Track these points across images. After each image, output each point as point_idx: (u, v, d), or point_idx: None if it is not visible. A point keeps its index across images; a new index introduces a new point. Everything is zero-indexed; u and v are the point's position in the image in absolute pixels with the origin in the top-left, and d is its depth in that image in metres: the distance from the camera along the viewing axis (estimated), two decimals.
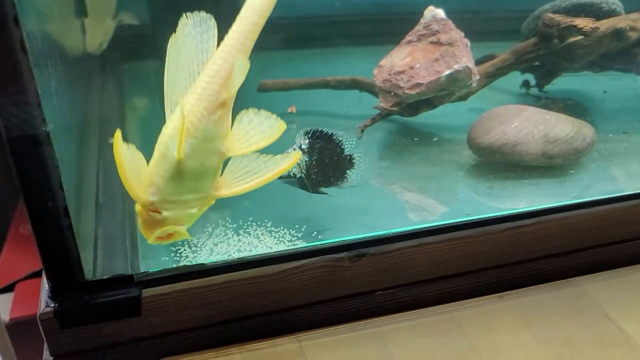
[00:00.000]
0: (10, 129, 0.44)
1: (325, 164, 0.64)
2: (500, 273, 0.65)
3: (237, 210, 0.65)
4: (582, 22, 0.78)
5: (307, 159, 0.63)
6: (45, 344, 0.53)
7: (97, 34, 0.90)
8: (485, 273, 0.64)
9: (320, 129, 0.64)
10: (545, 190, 0.72)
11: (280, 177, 0.62)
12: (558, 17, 0.81)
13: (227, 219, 0.64)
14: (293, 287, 0.58)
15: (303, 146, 0.63)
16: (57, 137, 0.50)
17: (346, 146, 0.65)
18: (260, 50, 1.08)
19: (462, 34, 0.79)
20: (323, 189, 0.65)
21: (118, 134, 0.45)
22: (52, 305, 0.51)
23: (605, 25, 0.82)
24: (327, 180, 0.65)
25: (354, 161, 0.66)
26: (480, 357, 0.55)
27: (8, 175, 1.16)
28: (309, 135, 0.63)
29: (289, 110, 0.90)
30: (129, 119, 0.86)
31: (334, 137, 0.64)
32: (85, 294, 0.52)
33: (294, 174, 0.63)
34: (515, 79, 0.94)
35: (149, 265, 0.56)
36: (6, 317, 0.99)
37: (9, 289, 1.05)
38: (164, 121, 0.75)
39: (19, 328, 0.99)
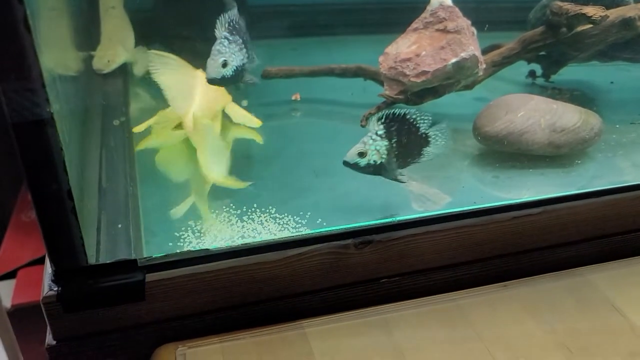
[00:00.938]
0: (14, 110, 0.44)
1: (404, 146, 0.63)
2: (506, 262, 0.64)
3: (241, 197, 0.65)
4: (591, 10, 0.77)
5: (386, 143, 0.61)
6: (49, 328, 0.52)
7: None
8: (490, 262, 0.64)
9: (392, 111, 0.62)
10: (551, 180, 0.72)
11: (361, 168, 0.62)
12: (567, 5, 0.80)
13: (231, 205, 0.63)
14: (297, 274, 0.57)
15: (379, 132, 0.61)
16: (61, 120, 0.49)
17: (420, 123, 0.64)
18: (264, 38, 1.07)
19: (469, 22, 0.79)
20: (401, 175, 0.64)
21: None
22: (55, 289, 0.51)
23: (613, 14, 0.82)
24: (406, 162, 0.64)
25: (429, 139, 0.65)
26: (485, 346, 0.55)
27: (9, 163, 1.16)
28: (382, 120, 0.62)
29: (293, 98, 0.90)
30: (132, 104, 0.85)
31: (408, 117, 0.63)
32: (88, 278, 0.52)
33: (374, 161, 0.61)
34: (521, 68, 0.94)
35: (152, 250, 0.56)
36: (8, 304, 0.99)
37: (11, 275, 1.05)
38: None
39: (21, 314, 0.99)
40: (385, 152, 0.61)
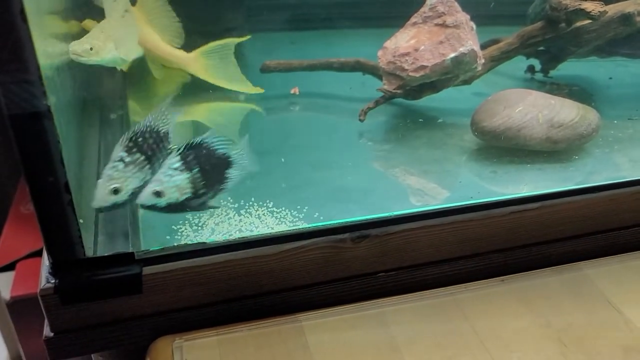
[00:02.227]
0: (11, 102, 0.44)
1: (206, 173, 0.57)
2: (503, 257, 0.64)
3: (238, 191, 0.65)
4: (590, 6, 0.77)
5: (186, 176, 0.56)
6: (46, 320, 0.53)
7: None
8: (488, 256, 0.64)
9: (186, 143, 0.57)
10: (549, 175, 0.72)
11: (161, 209, 0.56)
12: (566, 1, 0.80)
13: (229, 198, 0.64)
14: (294, 268, 0.58)
15: (175, 165, 0.56)
16: (58, 112, 0.49)
17: (219, 147, 0.59)
18: (263, 31, 1.07)
19: (468, 17, 0.79)
20: (212, 203, 0.59)
21: None
22: (52, 281, 0.51)
23: (613, 9, 0.82)
24: (213, 189, 0.59)
25: (230, 159, 0.60)
26: (481, 340, 0.55)
27: (8, 155, 1.16)
28: (177, 153, 0.57)
29: (292, 92, 0.90)
30: (130, 97, 0.85)
31: (204, 144, 0.58)
32: (86, 271, 0.52)
33: (176, 199, 0.56)
34: (519, 64, 0.94)
35: (150, 243, 0.56)
36: (7, 296, 0.99)
37: (9, 267, 1.05)
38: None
39: (20, 306, 0.99)
40: (189, 185, 0.56)
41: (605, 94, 0.94)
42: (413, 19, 0.80)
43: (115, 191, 0.55)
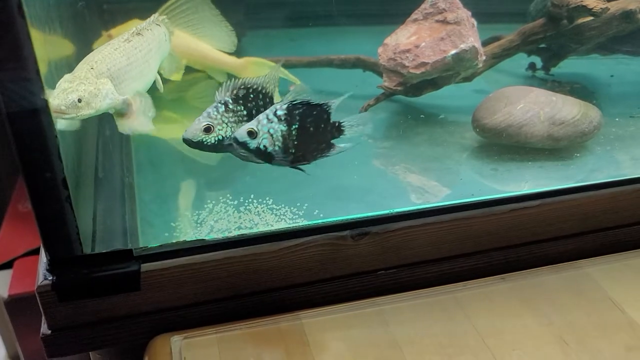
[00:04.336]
0: (8, 97, 0.43)
1: (306, 134, 0.55)
2: (504, 254, 0.64)
3: (237, 188, 0.64)
4: (592, 3, 0.76)
5: (283, 128, 0.54)
6: (43, 317, 0.52)
7: None
8: (488, 254, 0.63)
9: (298, 99, 0.56)
10: (550, 173, 0.71)
11: (248, 149, 0.55)
12: None
13: (228, 195, 0.63)
14: (294, 265, 0.57)
15: (279, 112, 0.54)
16: None
17: (327, 111, 0.57)
18: (262, 29, 1.06)
19: (469, 13, 0.78)
20: (300, 164, 0.57)
21: None
22: (50, 278, 0.50)
23: (614, 6, 0.81)
24: (307, 152, 0.57)
25: (342, 129, 0.58)
26: (482, 338, 0.55)
27: (6, 153, 1.16)
28: (286, 103, 0.56)
29: (290, 89, 0.89)
30: None
31: (314, 103, 0.57)
32: (83, 268, 0.51)
33: (264, 146, 0.55)
34: (521, 61, 0.93)
35: (148, 240, 0.56)
36: (4, 294, 0.99)
37: (7, 265, 1.04)
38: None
39: (17, 304, 0.99)
40: (282, 137, 0.55)
41: (607, 92, 0.93)
42: (414, 16, 0.80)
43: (207, 129, 0.55)
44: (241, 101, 0.56)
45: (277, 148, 0.55)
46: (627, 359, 0.53)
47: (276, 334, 0.55)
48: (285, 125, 0.55)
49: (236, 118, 0.56)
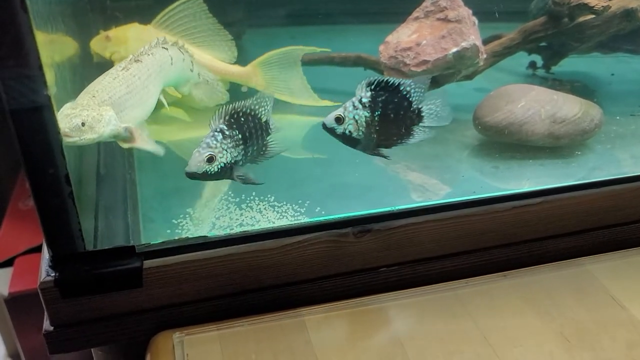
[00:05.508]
0: (12, 97, 0.43)
1: (389, 121, 0.57)
2: (505, 252, 0.64)
3: (239, 185, 0.64)
4: (593, 1, 0.77)
5: (367, 114, 0.56)
6: (46, 314, 0.52)
7: None
8: (489, 252, 0.64)
9: (385, 79, 0.57)
10: (551, 171, 0.71)
11: (337, 135, 0.56)
12: None
13: (230, 193, 0.63)
14: (296, 262, 0.57)
15: (364, 99, 0.56)
16: (59, 105, 0.49)
17: (415, 97, 0.58)
18: (263, 27, 1.06)
19: (470, 11, 0.78)
20: (382, 150, 0.58)
21: None
22: (52, 275, 0.50)
23: (616, 5, 0.81)
24: (388, 140, 0.58)
25: (422, 114, 0.59)
26: (483, 335, 0.55)
27: (7, 150, 1.16)
28: (372, 86, 0.57)
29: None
30: None
31: (401, 87, 0.57)
32: (86, 264, 0.51)
33: (350, 131, 0.56)
34: (521, 59, 0.93)
35: (150, 237, 0.56)
36: (5, 292, 0.99)
37: (8, 263, 1.04)
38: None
39: (18, 302, 0.99)
40: (364, 124, 0.56)
41: (608, 90, 0.93)
42: (415, 14, 0.80)
43: (210, 159, 0.56)
44: (235, 126, 0.57)
45: (360, 134, 0.57)
46: (628, 356, 0.53)
47: (278, 331, 0.55)
48: (369, 111, 0.56)
49: (234, 143, 0.57)
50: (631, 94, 0.93)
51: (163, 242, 0.54)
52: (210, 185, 0.67)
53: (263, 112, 0.59)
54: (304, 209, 0.61)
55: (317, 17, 1.07)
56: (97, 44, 0.81)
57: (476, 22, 0.78)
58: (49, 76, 0.45)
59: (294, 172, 0.70)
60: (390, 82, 0.57)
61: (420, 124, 0.60)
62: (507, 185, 0.70)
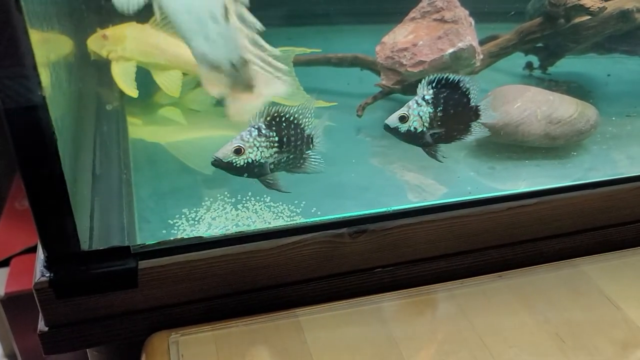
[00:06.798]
0: (5, 93, 0.43)
1: (450, 118, 0.59)
2: (501, 252, 0.64)
3: (235, 185, 0.64)
4: (589, 2, 0.77)
5: (431, 110, 0.58)
6: (40, 314, 0.52)
7: None
8: (485, 252, 0.64)
9: (445, 76, 0.58)
10: (547, 172, 0.71)
11: (401, 134, 0.58)
12: None
13: (226, 193, 0.63)
14: (291, 262, 0.57)
15: (427, 97, 0.57)
16: (54, 105, 0.49)
17: (472, 94, 0.60)
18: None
19: (467, 12, 0.78)
20: (440, 153, 0.60)
21: None
22: (47, 275, 0.50)
23: (612, 6, 0.81)
24: (449, 135, 0.60)
25: (479, 112, 0.61)
26: (478, 336, 0.55)
27: (2, 151, 1.15)
28: (433, 84, 0.58)
29: None
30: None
31: (460, 84, 0.59)
32: (81, 265, 0.51)
33: (415, 128, 0.58)
34: (518, 60, 0.93)
35: (146, 237, 0.56)
36: (1, 292, 0.99)
37: (4, 263, 1.04)
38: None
39: (14, 303, 0.99)
40: (428, 120, 0.58)
41: (604, 91, 0.93)
42: (411, 14, 0.80)
43: (237, 151, 0.56)
44: (274, 127, 0.57)
45: (424, 129, 0.58)
46: (622, 356, 0.54)
47: (274, 332, 0.55)
48: (432, 107, 0.58)
49: (268, 143, 0.57)
50: (627, 94, 0.93)
51: (158, 243, 0.54)
52: (206, 185, 0.67)
53: (307, 124, 0.59)
54: (300, 209, 0.61)
55: (314, 17, 1.07)
56: (94, 43, 0.81)
57: (473, 22, 0.79)
58: (44, 76, 0.45)
59: (290, 172, 0.70)
60: (450, 79, 0.59)
61: (478, 121, 0.62)
62: (503, 185, 0.70)
